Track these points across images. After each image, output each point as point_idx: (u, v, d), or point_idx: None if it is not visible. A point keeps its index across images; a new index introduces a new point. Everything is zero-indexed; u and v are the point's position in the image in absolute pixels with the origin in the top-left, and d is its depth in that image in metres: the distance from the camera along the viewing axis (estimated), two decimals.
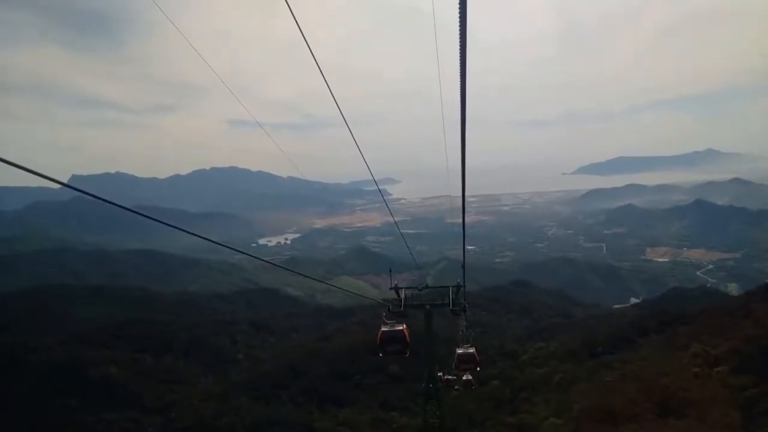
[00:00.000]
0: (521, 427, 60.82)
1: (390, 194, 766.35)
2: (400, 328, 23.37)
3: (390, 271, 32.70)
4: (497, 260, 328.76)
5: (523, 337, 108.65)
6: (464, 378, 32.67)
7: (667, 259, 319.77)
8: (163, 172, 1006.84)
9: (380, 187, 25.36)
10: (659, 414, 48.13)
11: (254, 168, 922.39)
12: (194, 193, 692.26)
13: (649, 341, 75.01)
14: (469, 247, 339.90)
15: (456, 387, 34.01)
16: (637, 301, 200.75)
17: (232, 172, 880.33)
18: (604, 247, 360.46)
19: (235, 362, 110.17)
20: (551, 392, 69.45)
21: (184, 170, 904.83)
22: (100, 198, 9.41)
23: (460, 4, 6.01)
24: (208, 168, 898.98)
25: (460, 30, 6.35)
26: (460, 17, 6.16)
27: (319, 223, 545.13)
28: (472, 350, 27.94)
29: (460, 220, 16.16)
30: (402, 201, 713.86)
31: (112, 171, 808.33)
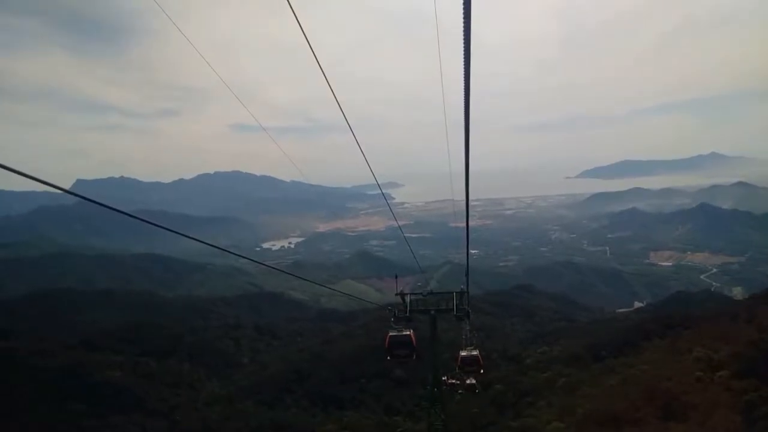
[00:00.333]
0: (524, 431, 60.89)
1: (393, 198, 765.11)
2: (407, 332, 23.99)
3: (396, 277, 33.19)
4: (501, 264, 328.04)
5: (527, 341, 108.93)
6: (468, 382, 32.85)
7: (671, 263, 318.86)
8: (168, 177, 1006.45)
9: (383, 191, 25.74)
10: (661, 418, 48.29)
11: (258, 172, 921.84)
12: (198, 197, 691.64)
13: (652, 345, 75.08)
14: (473, 251, 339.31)
15: (459, 391, 34.21)
16: (641, 305, 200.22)
17: (236, 176, 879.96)
18: (608, 251, 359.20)
19: (240, 366, 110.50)
20: (555, 396, 69.53)
21: (189, 174, 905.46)
22: (99, 203, 9.68)
23: (464, 9, 6.09)
24: (212, 172, 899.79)
25: (464, 34, 6.44)
26: (464, 22, 6.25)
27: (323, 227, 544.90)
28: (475, 353, 28.19)
29: (464, 224, 16.44)
30: (405, 205, 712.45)
31: (117, 176, 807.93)
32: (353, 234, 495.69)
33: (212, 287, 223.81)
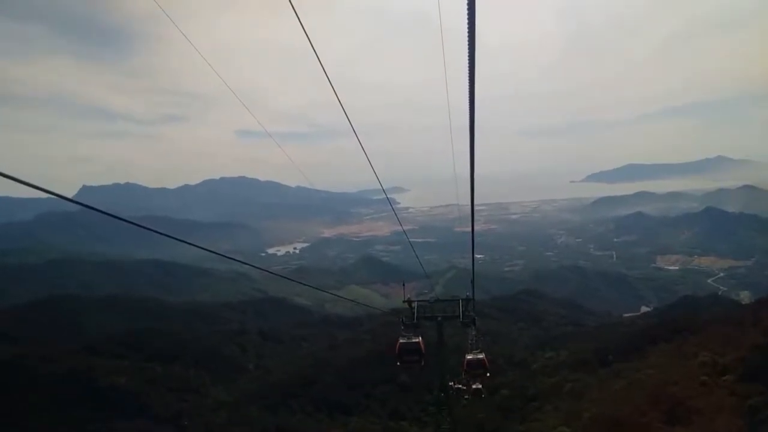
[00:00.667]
0: None
1: (398, 203, 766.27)
2: (417, 340, 25.00)
3: (404, 284, 33.23)
4: (507, 269, 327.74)
5: (533, 346, 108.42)
6: (474, 387, 32.58)
7: (677, 267, 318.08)
8: (173, 182, 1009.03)
9: (388, 196, 25.69)
10: (667, 422, 48.03)
11: (263, 178, 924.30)
12: (204, 202, 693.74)
13: (658, 350, 74.65)
14: (478, 256, 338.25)
15: (466, 396, 33.90)
16: (648, 309, 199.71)
17: (241, 181, 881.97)
18: (614, 255, 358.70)
19: (245, 371, 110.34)
20: (561, 401, 69.19)
21: (194, 180, 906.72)
22: (98, 210, 9.35)
23: (468, 14, 5.98)
24: (217, 178, 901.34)
25: (468, 39, 6.35)
26: (468, 26, 6.14)
27: (328, 233, 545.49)
28: (481, 356, 27.92)
29: (469, 229, 16.15)
30: (410, 210, 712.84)
31: (122, 182, 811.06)
32: (358, 239, 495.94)
33: (217, 293, 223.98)
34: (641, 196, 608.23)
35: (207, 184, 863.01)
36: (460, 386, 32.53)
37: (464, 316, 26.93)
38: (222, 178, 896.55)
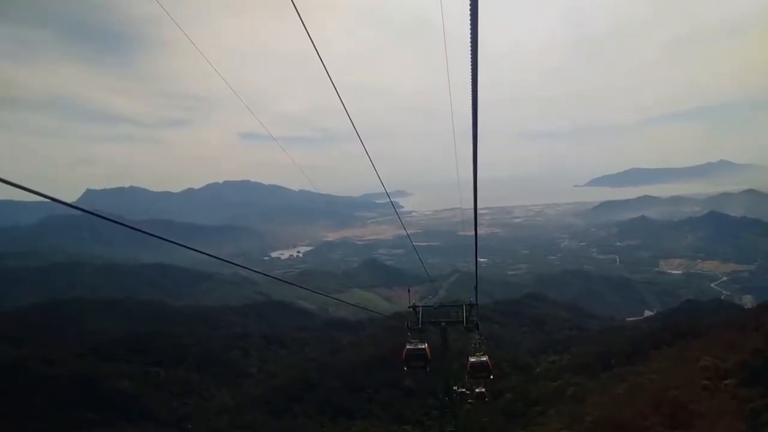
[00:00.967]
0: None
1: (402, 207, 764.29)
2: (423, 346, 25.77)
3: (409, 290, 33.96)
4: (510, 273, 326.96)
5: (537, 350, 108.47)
6: (477, 390, 32.75)
7: (680, 272, 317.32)
8: (177, 186, 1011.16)
9: (392, 200, 25.94)
10: (669, 426, 48.22)
11: (266, 181, 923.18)
12: (208, 206, 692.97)
13: (661, 354, 74.71)
14: (482, 260, 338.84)
15: (469, 400, 34.05)
16: (651, 313, 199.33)
17: (245, 185, 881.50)
18: (618, 260, 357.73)
19: (248, 375, 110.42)
20: (564, 405, 69.27)
21: (198, 184, 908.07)
22: (98, 215, 9.57)
23: (471, 19, 6.03)
24: (221, 181, 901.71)
25: (471, 43, 6.37)
26: (471, 31, 6.18)
27: (331, 236, 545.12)
28: (485, 358, 28.11)
29: (472, 233, 16.38)
30: (414, 213, 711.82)
31: (126, 185, 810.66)
32: (362, 243, 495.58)
33: (220, 296, 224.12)
34: (644, 200, 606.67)
35: (211, 187, 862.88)
36: (463, 390, 32.68)
37: (468, 321, 27.30)
38: (226, 182, 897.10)
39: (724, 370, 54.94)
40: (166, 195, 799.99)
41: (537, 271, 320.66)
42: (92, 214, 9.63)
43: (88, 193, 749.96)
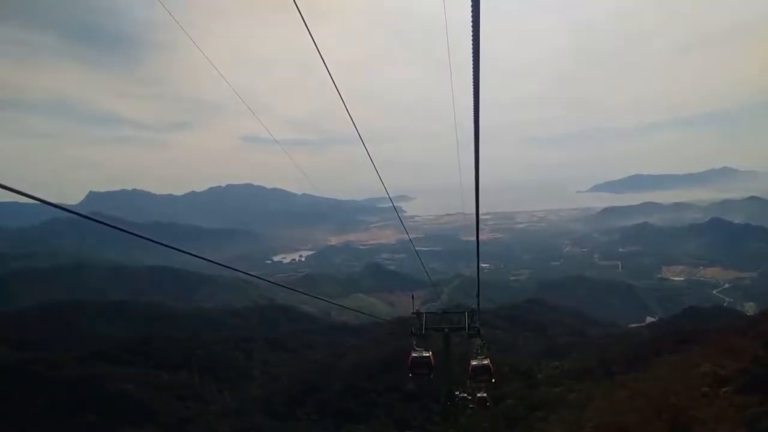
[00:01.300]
0: None
1: (404, 211, 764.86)
2: (427, 354, 26.28)
3: (412, 297, 34.43)
4: (512, 278, 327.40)
5: (539, 356, 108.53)
6: (479, 395, 32.96)
7: (683, 278, 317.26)
8: (180, 189, 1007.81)
9: (394, 204, 26.39)
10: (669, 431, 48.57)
11: (269, 185, 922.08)
12: (210, 209, 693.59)
13: (663, 361, 74.86)
14: (484, 265, 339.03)
15: (471, 406, 34.27)
16: (653, 320, 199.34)
17: (248, 188, 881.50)
18: (620, 266, 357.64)
19: (251, 379, 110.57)
20: (566, 410, 69.45)
21: (201, 187, 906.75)
22: (93, 218, 9.87)
23: (472, 23, 6.12)
24: (223, 185, 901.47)
25: (473, 48, 6.47)
26: (473, 36, 6.28)
27: (334, 240, 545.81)
28: (486, 361, 28.36)
29: (474, 238, 16.72)
30: (416, 218, 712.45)
31: (129, 188, 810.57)
32: (364, 247, 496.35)
33: (223, 299, 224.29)
34: (647, 206, 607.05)
35: (213, 190, 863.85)
36: (465, 395, 32.87)
37: (470, 327, 27.90)
38: (228, 185, 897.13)
39: (724, 377, 55.25)
40: (169, 198, 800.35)
41: (539, 276, 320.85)
42: (93, 219, 9.92)
43: (91, 195, 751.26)
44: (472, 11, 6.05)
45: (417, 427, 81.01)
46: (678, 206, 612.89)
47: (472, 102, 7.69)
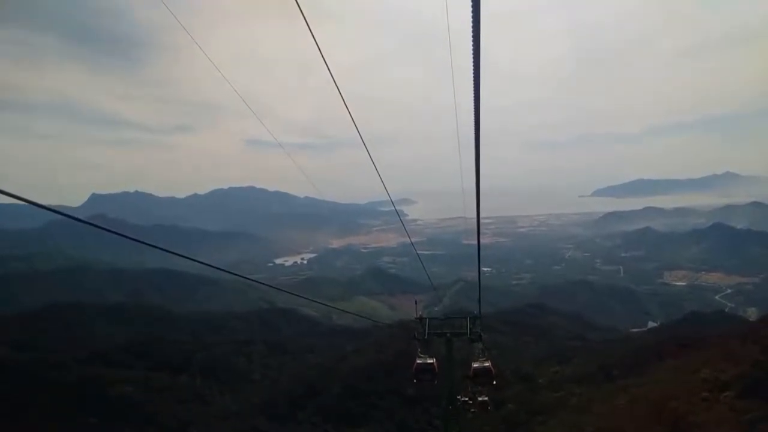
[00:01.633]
0: None
1: (406, 215, 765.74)
2: (431, 361, 27.46)
3: (416, 302, 34.81)
4: (514, 282, 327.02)
5: (540, 360, 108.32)
6: (480, 399, 32.99)
7: (685, 283, 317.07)
8: (182, 191, 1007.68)
9: (396, 208, 26.53)
10: None
11: (271, 187, 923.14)
12: (212, 211, 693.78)
13: (664, 365, 74.80)
14: (486, 269, 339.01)
15: (472, 410, 34.25)
16: (655, 325, 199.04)
17: (250, 191, 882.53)
18: (622, 270, 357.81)
19: (252, 381, 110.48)
20: (566, 415, 69.38)
21: (203, 189, 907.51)
22: (87, 222, 9.78)
23: (473, 26, 6.12)
24: (226, 187, 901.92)
25: (473, 51, 6.48)
26: (473, 39, 6.29)
27: (336, 243, 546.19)
28: (487, 364, 28.42)
29: (476, 242, 16.68)
30: (418, 222, 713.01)
31: (131, 190, 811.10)
32: (366, 250, 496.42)
33: (224, 302, 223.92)
34: (649, 211, 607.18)
35: (215, 193, 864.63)
36: (466, 399, 32.90)
37: (471, 333, 28.46)
38: (230, 188, 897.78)
39: (723, 382, 55.33)
40: (171, 200, 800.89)
41: (541, 281, 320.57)
42: (95, 226, 9.86)
43: (93, 197, 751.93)
44: (472, 15, 6.04)
45: (418, 430, 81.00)
46: (680, 211, 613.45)
47: (473, 105, 7.75)
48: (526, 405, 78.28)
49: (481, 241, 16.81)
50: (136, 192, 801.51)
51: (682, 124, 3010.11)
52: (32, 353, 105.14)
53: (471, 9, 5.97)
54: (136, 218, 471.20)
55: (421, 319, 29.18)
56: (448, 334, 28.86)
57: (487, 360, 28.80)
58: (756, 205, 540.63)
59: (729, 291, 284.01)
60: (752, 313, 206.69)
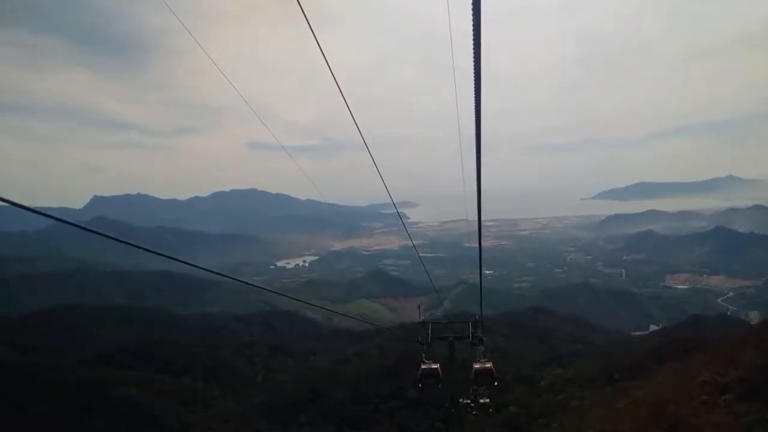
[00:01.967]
0: None
1: (408, 217, 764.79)
2: (435, 366, 28.02)
3: (419, 307, 35.38)
4: (516, 285, 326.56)
5: (541, 363, 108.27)
6: (481, 401, 33.07)
7: (687, 286, 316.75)
8: (184, 194, 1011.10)
9: (398, 210, 26.64)
10: None
11: (273, 190, 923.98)
12: (214, 214, 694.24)
13: (665, 369, 74.83)
14: (487, 272, 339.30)
15: (474, 413, 34.33)
16: (657, 328, 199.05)
17: (252, 193, 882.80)
18: (624, 273, 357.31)
19: (254, 384, 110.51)
20: (567, 418, 69.43)
21: (204, 192, 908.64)
22: (86, 228, 9.86)
23: (473, 29, 6.16)
24: (227, 190, 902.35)
25: (474, 55, 6.49)
26: (473, 43, 6.32)
27: (337, 246, 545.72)
28: (489, 365, 28.55)
29: (478, 245, 16.79)
30: (420, 224, 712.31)
31: (133, 192, 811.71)
32: (368, 253, 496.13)
33: (226, 305, 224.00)
34: (651, 214, 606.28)
35: (217, 195, 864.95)
36: (467, 401, 32.97)
37: (473, 336, 29.06)
38: (232, 190, 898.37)
39: (722, 386, 55.49)
40: (173, 202, 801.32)
41: (543, 283, 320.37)
42: (94, 232, 9.93)
43: (95, 199, 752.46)
44: (473, 19, 6.11)
45: None
46: (682, 214, 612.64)
47: (474, 108, 7.77)
48: (528, 408, 78.29)
49: (483, 243, 16.89)
50: (138, 194, 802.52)
51: (684, 128, 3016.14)
52: (34, 355, 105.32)
53: (472, 10, 6.03)
54: (138, 220, 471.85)
55: (424, 323, 29.60)
56: (451, 338, 29.09)
57: (488, 360, 28.95)
58: (758, 208, 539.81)
59: (731, 294, 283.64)
60: (754, 317, 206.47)
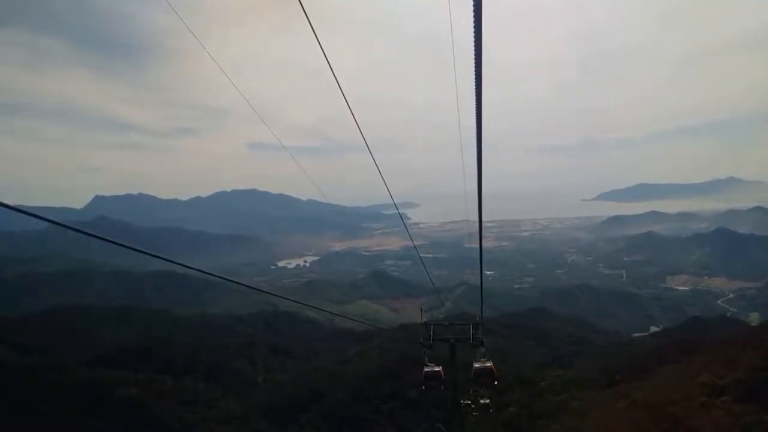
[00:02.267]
0: None
1: (409, 218, 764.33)
2: (438, 369, 28.52)
3: (421, 309, 35.55)
4: (516, 286, 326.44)
5: (542, 365, 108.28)
6: (482, 402, 33.14)
7: (687, 288, 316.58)
8: (185, 194, 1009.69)
9: (399, 211, 26.80)
10: None
11: (274, 191, 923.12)
12: (215, 214, 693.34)
13: (665, 370, 74.84)
14: (488, 273, 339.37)
15: (474, 413, 34.40)
16: (657, 329, 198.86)
17: (253, 194, 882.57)
18: (624, 275, 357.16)
19: (255, 385, 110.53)
20: (568, 419, 69.45)
21: (206, 192, 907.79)
22: (81, 231, 9.90)
23: (474, 32, 6.25)
24: (229, 190, 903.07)
25: (475, 55, 6.61)
26: (474, 44, 6.41)
27: (338, 246, 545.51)
28: (489, 364, 28.63)
29: (479, 245, 16.90)
30: (421, 225, 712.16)
31: (135, 192, 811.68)
32: (369, 253, 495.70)
33: (227, 305, 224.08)
34: (652, 215, 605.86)
35: (218, 196, 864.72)
36: (468, 402, 33.04)
37: (474, 338, 29.23)
38: (233, 191, 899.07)
39: (721, 387, 55.66)
40: (174, 203, 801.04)
41: (543, 284, 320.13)
42: (93, 236, 9.99)
43: (97, 199, 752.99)
44: (474, 19, 6.20)
45: None
46: (683, 216, 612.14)
47: (475, 109, 7.91)
48: (528, 409, 78.32)
49: (484, 244, 16.99)
50: (139, 194, 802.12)
51: (685, 129, 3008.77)
52: (36, 356, 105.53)
53: (473, 11, 6.13)
54: (138, 220, 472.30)
55: (425, 324, 29.94)
56: (452, 340, 29.35)
57: (488, 360, 29.06)
58: (759, 209, 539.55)
59: (731, 296, 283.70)
60: (754, 318, 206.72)
